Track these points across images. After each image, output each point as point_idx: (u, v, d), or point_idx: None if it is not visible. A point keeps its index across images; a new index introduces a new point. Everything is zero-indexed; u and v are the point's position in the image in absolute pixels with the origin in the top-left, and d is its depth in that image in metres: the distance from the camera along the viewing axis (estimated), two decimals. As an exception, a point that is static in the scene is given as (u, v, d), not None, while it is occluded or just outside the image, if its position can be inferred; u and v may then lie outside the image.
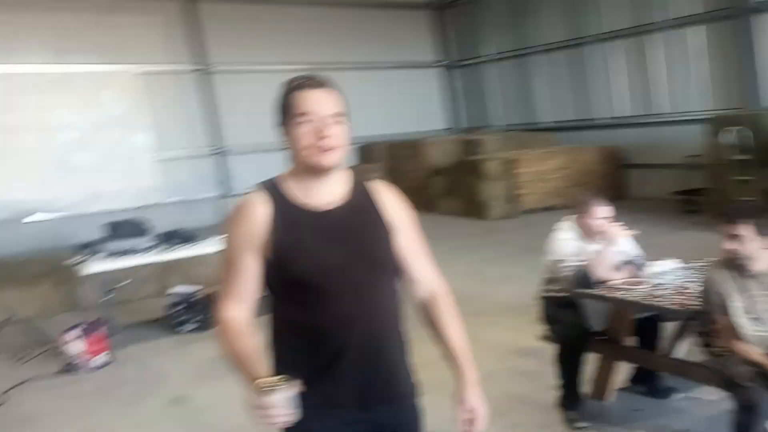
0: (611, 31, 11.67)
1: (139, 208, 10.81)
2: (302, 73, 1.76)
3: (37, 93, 10.50)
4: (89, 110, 10.92)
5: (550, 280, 3.76)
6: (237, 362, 1.66)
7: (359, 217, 1.75)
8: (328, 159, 1.67)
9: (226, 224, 1.75)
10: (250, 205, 1.71)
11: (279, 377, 1.56)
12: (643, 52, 11.31)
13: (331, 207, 1.73)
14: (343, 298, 1.68)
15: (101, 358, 5.04)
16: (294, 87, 1.72)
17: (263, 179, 1.80)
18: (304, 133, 1.66)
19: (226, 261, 1.73)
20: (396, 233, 1.79)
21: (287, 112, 1.70)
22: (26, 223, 10.62)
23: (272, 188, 1.74)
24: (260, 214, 1.69)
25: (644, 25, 11.12)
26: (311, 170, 1.69)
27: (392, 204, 1.82)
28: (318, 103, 1.68)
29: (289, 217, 1.69)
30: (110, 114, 11.12)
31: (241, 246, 1.70)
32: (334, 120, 1.68)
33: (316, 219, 1.71)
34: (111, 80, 11.13)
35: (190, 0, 12.15)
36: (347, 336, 1.69)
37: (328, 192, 1.73)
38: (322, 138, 1.65)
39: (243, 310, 1.72)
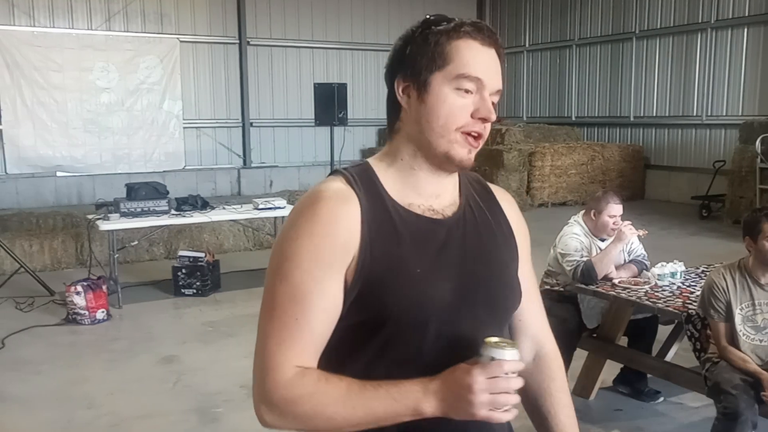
0: (654, 29, 11.49)
1: (160, 172, 11.10)
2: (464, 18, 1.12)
3: (80, 55, 10.96)
4: (127, 75, 11.31)
5: (551, 274, 3.73)
6: (357, 403, 1.01)
7: (480, 233, 1.17)
8: (473, 155, 1.12)
9: (293, 231, 1.06)
10: (335, 204, 1.06)
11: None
12: (683, 52, 11.09)
13: (443, 215, 1.14)
14: (453, 352, 1.06)
15: (101, 313, 5.14)
16: (462, 31, 1.09)
17: (348, 166, 1.16)
18: (463, 107, 1.08)
19: (292, 290, 1.04)
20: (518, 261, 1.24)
21: (439, 62, 1.08)
22: (52, 178, 10.93)
23: (364, 180, 1.11)
24: (350, 218, 1.06)
25: (688, 24, 10.91)
26: (439, 162, 1.11)
27: (516, 220, 1.25)
28: (491, 69, 1.10)
29: (387, 227, 1.08)
30: (145, 80, 11.47)
31: (320, 266, 1.04)
32: (494, 100, 1.11)
33: (426, 231, 1.11)
34: (150, 48, 11.47)
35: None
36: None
37: (439, 193, 1.15)
38: (484, 121, 1.09)
39: (311, 366, 1.06)
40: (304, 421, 1.04)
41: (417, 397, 1.00)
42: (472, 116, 1.09)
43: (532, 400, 1.29)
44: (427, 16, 1.13)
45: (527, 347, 1.29)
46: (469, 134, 1.09)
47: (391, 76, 1.14)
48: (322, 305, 1.05)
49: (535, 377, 1.28)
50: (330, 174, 1.16)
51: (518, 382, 1.00)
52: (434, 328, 1.07)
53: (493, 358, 0.98)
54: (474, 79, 1.08)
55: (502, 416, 0.99)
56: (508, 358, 0.98)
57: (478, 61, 1.08)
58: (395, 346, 1.07)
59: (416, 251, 1.09)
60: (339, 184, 1.10)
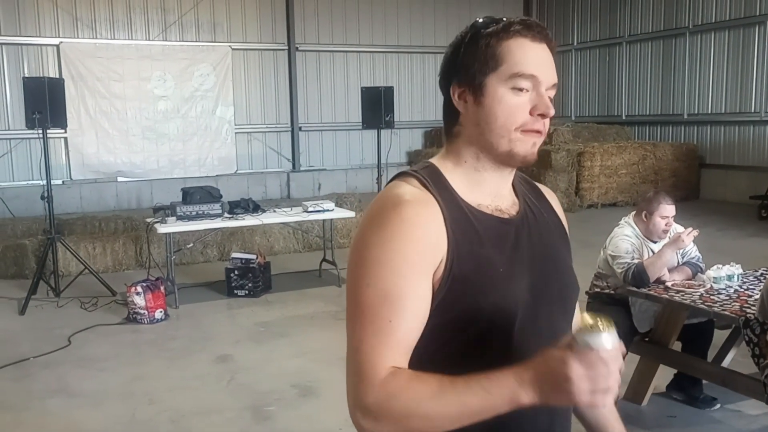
0: (708, 23, 11.16)
1: (213, 176, 11.43)
2: (514, 16, 1.13)
3: (139, 65, 11.42)
4: (182, 83, 11.71)
5: (601, 276, 3.69)
6: (451, 398, 0.98)
7: (542, 232, 1.21)
8: (536, 149, 1.13)
9: (379, 235, 1.06)
10: (419, 207, 1.08)
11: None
12: (740, 46, 10.72)
13: (509, 214, 1.17)
14: (535, 349, 1.05)
15: (159, 312, 5.35)
16: (512, 30, 1.10)
17: (415, 167, 1.17)
18: (520, 105, 1.09)
19: (384, 294, 1.04)
20: None
21: (491, 65, 1.09)
22: (113, 183, 11.42)
23: (435, 181, 1.13)
24: (435, 220, 1.08)
25: (746, 17, 10.55)
26: (503, 160, 1.13)
27: (562, 216, 1.31)
28: (545, 64, 1.10)
29: (468, 227, 1.10)
30: (199, 88, 11.86)
31: (412, 268, 1.05)
32: (550, 94, 1.12)
33: (500, 231, 1.14)
34: (204, 56, 11.87)
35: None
36: (537, 412, 1.04)
37: (503, 194, 1.18)
38: (543, 117, 1.10)
39: (403, 366, 1.05)
40: (400, 421, 1.00)
41: (512, 389, 0.96)
42: (530, 113, 1.09)
43: None
44: (477, 20, 1.14)
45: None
46: (529, 132, 1.10)
47: (445, 83, 1.16)
48: (413, 307, 1.05)
49: None
50: (397, 176, 1.16)
51: (620, 363, 0.94)
52: (519, 326, 1.09)
53: (588, 345, 0.92)
54: (529, 77, 1.08)
55: (605, 398, 0.94)
56: (605, 344, 0.92)
57: (531, 57, 1.09)
58: (484, 345, 1.08)
59: (495, 250, 1.11)
60: (414, 188, 1.11)
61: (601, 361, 0.92)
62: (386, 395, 1.00)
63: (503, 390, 0.97)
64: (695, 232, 3.50)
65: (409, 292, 1.04)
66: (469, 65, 1.11)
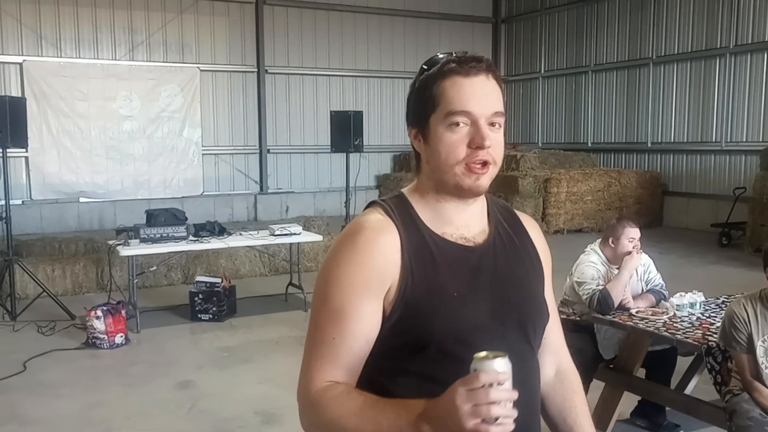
0: (671, 55, 11.51)
1: (179, 198, 11.26)
2: (455, 51, 1.20)
3: (104, 85, 11.27)
4: (148, 104, 11.57)
5: (567, 303, 3.71)
6: (368, 416, 1.08)
7: (509, 259, 1.25)
8: (483, 181, 1.17)
9: (335, 260, 1.18)
10: (376, 233, 1.17)
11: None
12: (701, 77, 11.07)
13: (474, 242, 1.23)
14: None
15: (120, 337, 5.20)
16: (446, 70, 1.16)
17: (385, 197, 1.27)
18: (457, 141, 1.15)
19: (331, 312, 1.16)
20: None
21: (430, 107, 1.17)
22: (75, 204, 11.15)
23: (400, 210, 1.21)
24: (388, 247, 1.16)
25: (707, 50, 10.91)
26: (455, 193, 1.20)
27: (540, 243, 1.35)
28: (480, 97, 1.16)
29: (425, 254, 1.18)
30: (166, 108, 11.73)
31: (357, 292, 1.15)
32: (494, 122, 1.17)
33: (460, 258, 1.20)
34: (171, 77, 11.74)
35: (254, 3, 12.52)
36: None
37: (468, 222, 1.24)
38: (480, 149, 1.15)
39: (346, 381, 1.17)
40: (326, 427, 1.14)
41: (417, 416, 1.04)
42: (469, 146, 1.16)
43: (556, 413, 1.36)
44: (432, 58, 1.21)
45: (549, 362, 1.37)
46: (472, 164, 1.16)
47: (407, 125, 1.25)
48: (357, 327, 1.15)
49: (558, 391, 1.37)
50: (368, 205, 1.26)
51: (508, 394, 0.98)
52: (474, 350, 1.11)
53: (475, 370, 0.99)
54: (461, 113, 1.15)
55: (493, 429, 0.97)
56: (486, 368, 0.98)
57: (463, 94, 1.15)
58: (441, 367, 1.13)
59: (452, 276, 1.18)
60: (378, 216, 1.20)
61: (480, 384, 0.97)
62: (318, 403, 1.14)
63: (411, 415, 1.04)
64: (638, 254, 3.52)
65: (353, 314, 1.15)
66: (415, 109, 1.21)
